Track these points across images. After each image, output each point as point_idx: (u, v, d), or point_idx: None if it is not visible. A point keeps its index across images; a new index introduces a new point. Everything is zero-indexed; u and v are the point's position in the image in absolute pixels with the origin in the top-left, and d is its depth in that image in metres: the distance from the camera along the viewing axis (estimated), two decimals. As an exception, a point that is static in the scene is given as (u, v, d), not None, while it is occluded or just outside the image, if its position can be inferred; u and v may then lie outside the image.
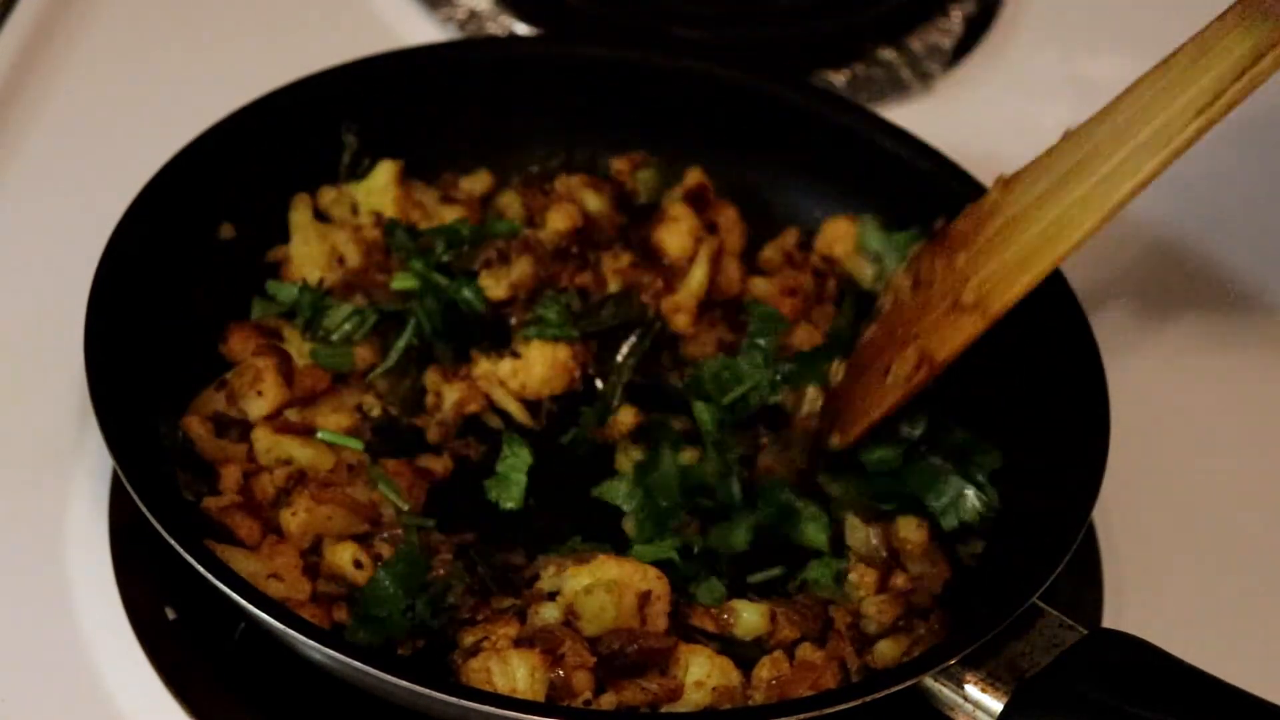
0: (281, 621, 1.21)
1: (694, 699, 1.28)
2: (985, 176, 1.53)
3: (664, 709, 1.28)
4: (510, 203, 1.55)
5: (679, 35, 1.76)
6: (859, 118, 1.59)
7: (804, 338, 1.49)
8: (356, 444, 1.39)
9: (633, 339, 1.48)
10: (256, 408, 1.39)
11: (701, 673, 1.29)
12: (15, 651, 1.32)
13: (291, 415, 1.40)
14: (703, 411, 1.43)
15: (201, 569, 1.23)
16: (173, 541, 1.24)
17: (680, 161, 1.58)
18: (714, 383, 1.44)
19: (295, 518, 1.34)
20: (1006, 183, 1.40)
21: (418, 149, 1.56)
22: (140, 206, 1.42)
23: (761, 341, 1.45)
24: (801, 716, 1.21)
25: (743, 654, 1.32)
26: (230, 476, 1.36)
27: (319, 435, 1.39)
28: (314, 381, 1.42)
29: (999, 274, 1.36)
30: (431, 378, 1.46)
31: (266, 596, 1.25)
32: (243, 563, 1.30)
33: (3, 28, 1.63)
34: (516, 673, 1.26)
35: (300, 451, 1.37)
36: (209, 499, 1.35)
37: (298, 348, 1.44)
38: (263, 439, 1.38)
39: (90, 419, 1.30)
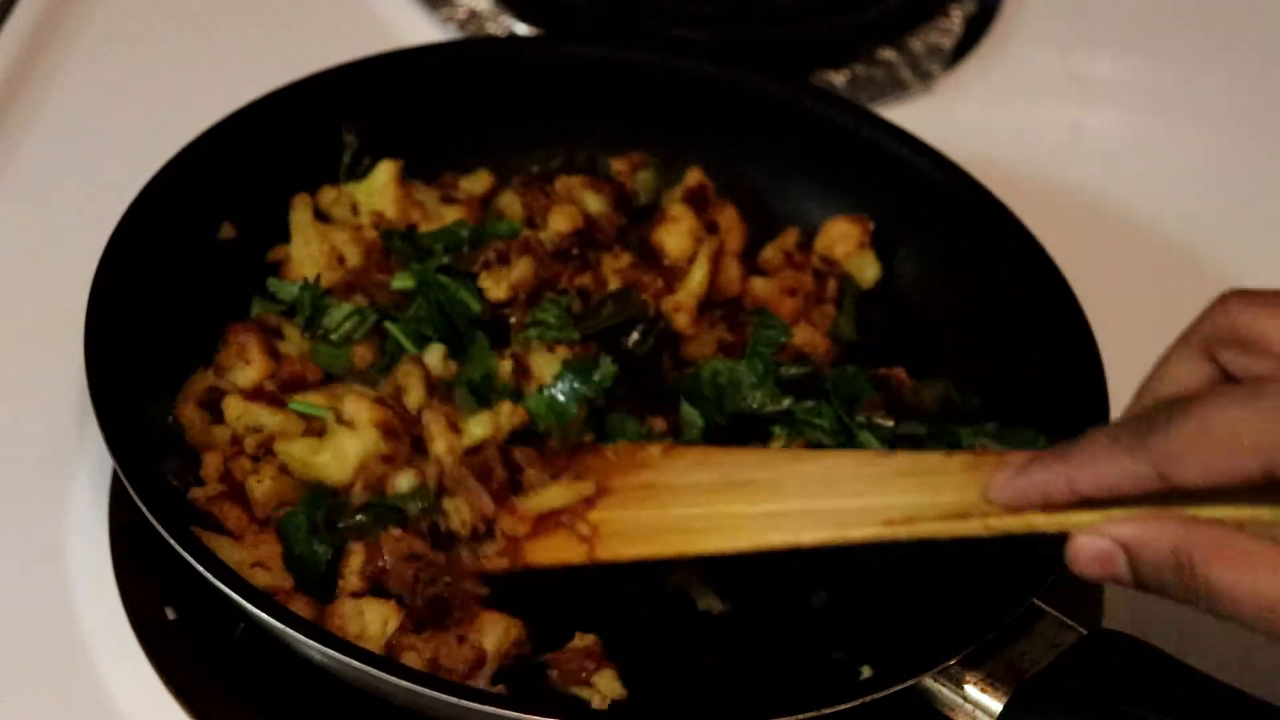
0: (283, 622, 1.21)
1: None
2: (985, 176, 1.53)
3: None
4: (510, 202, 1.55)
5: (679, 35, 1.76)
6: (859, 118, 1.59)
7: (804, 338, 1.49)
8: (326, 413, 1.39)
9: (635, 336, 1.48)
10: (245, 377, 1.39)
11: None
12: (15, 651, 1.32)
13: (267, 385, 1.40)
14: (691, 415, 1.43)
15: (205, 571, 1.23)
16: (174, 543, 1.24)
17: (680, 161, 1.58)
18: (711, 386, 1.44)
19: (261, 485, 1.34)
20: (667, 450, 1.37)
21: (418, 149, 1.56)
22: (140, 206, 1.41)
23: (764, 349, 1.44)
24: (802, 716, 1.22)
25: None
26: (211, 465, 1.36)
27: (290, 404, 1.39)
28: (308, 373, 1.42)
29: (623, 529, 1.32)
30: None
31: (269, 598, 1.25)
32: (228, 551, 1.30)
33: (3, 28, 1.63)
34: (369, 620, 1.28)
35: (270, 419, 1.37)
36: (196, 489, 1.35)
37: (298, 346, 1.43)
38: (234, 405, 1.38)
39: (90, 419, 1.30)
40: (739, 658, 1.35)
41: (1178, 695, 1.20)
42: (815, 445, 1.42)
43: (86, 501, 1.39)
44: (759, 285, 1.53)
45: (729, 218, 1.56)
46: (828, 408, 1.42)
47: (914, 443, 1.41)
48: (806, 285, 1.53)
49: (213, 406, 1.39)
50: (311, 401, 1.39)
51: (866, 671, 1.32)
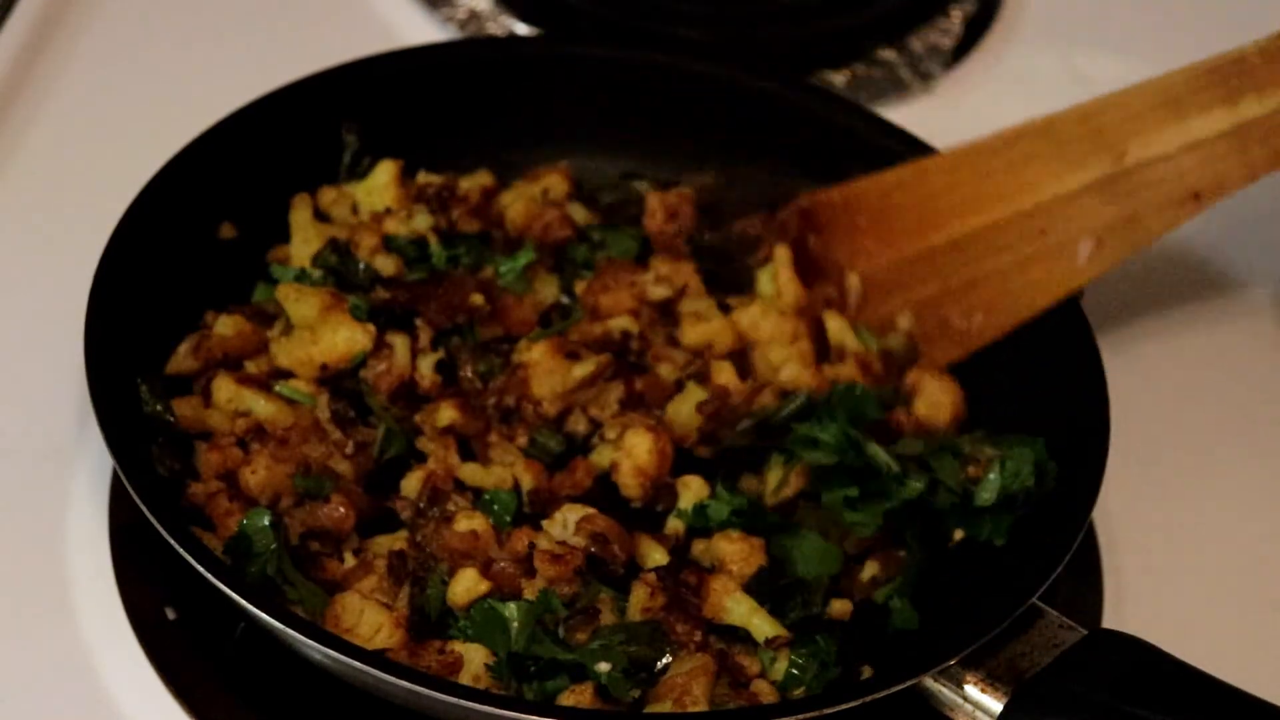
0: (283, 622, 1.21)
1: None
2: (985, 176, 1.53)
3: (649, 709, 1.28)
4: (511, 202, 1.55)
5: (679, 35, 1.76)
6: (859, 118, 1.59)
7: (791, 374, 1.48)
8: (312, 400, 1.39)
9: None
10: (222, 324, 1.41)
11: None
12: (15, 651, 1.32)
13: (252, 367, 1.41)
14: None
15: (204, 571, 1.23)
16: (174, 543, 1.24)
17: (680, 161, 1.58)
18: None
19: (255, 475, 1.34)
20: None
21: (418, 149, 1.56)
22: (140, 206, 1.42)
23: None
24: (802, 716, 1.21)
25: None
26: (210, 464, 1.36)
27: (276, 388, 1.39)
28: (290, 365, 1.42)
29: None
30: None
31: (271, 598, 1.25)
32: (218, 546, 1.31)
33: (3, 28, 1.63)
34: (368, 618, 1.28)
35: (260, 405, 1.37)
36: (195, 485, 1.35)
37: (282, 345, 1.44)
38: (224, 388, 1.38)
39: (90, 419, 1.30)
40: (739, 657, 1.35)
41: (1178, 695, 1.20)
42: (816, 469, 1.40)
43: (86, 501, 1.39)
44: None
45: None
46: (831, 423, 1.40)
47: (920, 462, 1.40)
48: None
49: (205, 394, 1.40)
50: (297, 389, 1.39)
51: (866, 671, 1.32)
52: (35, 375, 1.46)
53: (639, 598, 1.31)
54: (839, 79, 1.77)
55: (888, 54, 1.79)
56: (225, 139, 1.48)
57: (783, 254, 1.51)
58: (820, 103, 1.61)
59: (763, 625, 1.32)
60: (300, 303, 1.40)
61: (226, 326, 1.41)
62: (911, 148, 1.56)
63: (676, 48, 1.67)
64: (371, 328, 1.41)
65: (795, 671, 1.30)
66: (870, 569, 1.37)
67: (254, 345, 1.42)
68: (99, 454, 1.38)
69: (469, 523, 1.33)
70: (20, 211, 1.58)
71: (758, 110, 1.59)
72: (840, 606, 1.35)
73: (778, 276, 1.50)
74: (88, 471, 1.41)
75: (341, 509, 1.34)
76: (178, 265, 1.44)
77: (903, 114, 1.66)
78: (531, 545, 1.33)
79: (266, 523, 1.30)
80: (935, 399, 1.45)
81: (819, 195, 1.50)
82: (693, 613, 1.32)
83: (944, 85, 1.79)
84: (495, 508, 1.36)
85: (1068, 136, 1.34)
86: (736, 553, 1.35)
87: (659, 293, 1.50)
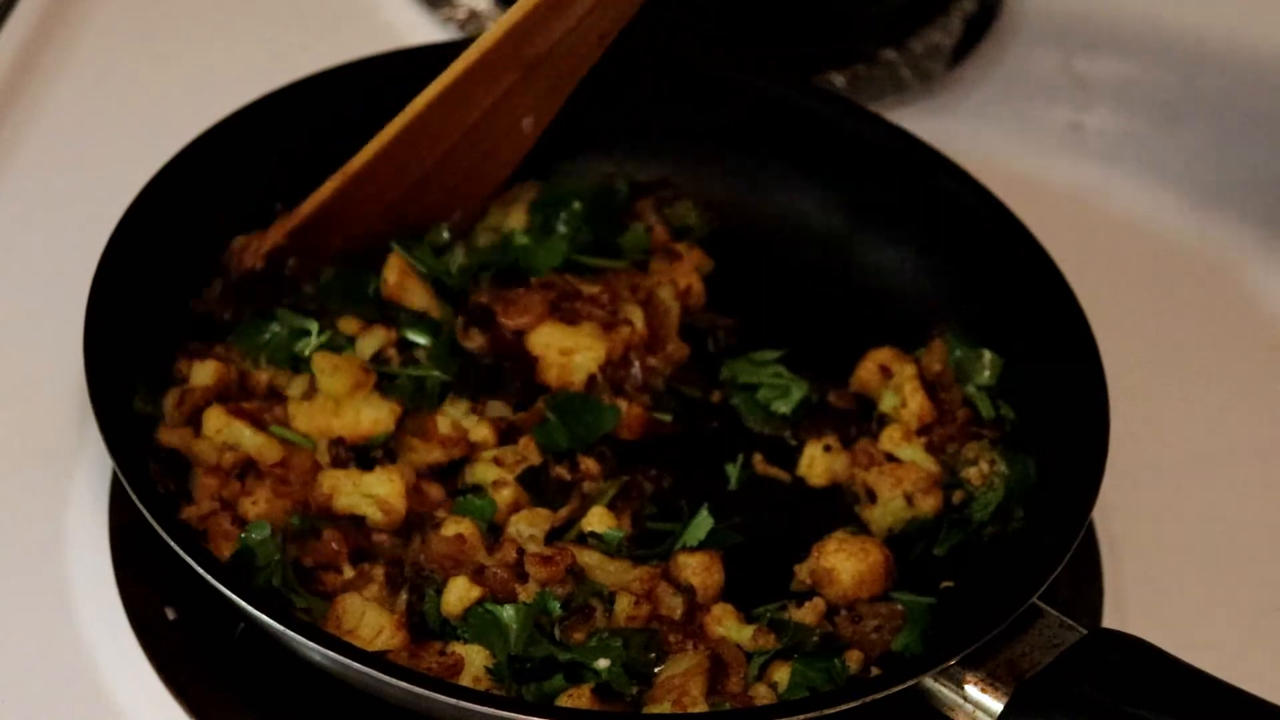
0: (282, 623, 1.21)
1: None
2: (985, 176, 1.53)
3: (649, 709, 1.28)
4: (508, 205, 1.55)
5: (679, 35, 1.76)
6: (860, 118, 1.59)
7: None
8: (309, 443, 1.38)
9: None
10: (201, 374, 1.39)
11: None
12: (15, 651, 1.32)
13: (249, 405, 1.39)
14: None
15: (204, 572, 1.23)
16: (173, 543, 1.24)
17: (679, 161, 1.58)
18: None
19: (255, 507, 1.34)
20: None
21: (418, 149, 1.55)
22: (140, 207, 1.41)
23: None
24: (802, 717, 1.22)
25: None
26: (206, 489, 1.35)
27: (272, 430, 1.38)
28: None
29: None
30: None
31: (269, 598, 1.25)
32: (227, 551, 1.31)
33: (3, 28, 1.63)
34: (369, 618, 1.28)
35: (249, 439, 1.36)
36: (189, 509, 1.34)
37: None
38: (214, 419, 1.37)
39: (90, 419, 1.30)
40: (739, 658, 1.35)
41: (1178, 695, 1.20)
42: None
43: (86, 501, 1.39)
44: None
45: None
46: None
47: None
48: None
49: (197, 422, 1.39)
50: (292, 431, 1.38)
51: (861, 666, 1.32)
52: (35, 376, 1.46)
53: (623, 607, 1.31)
54: (839, 79, 1.77)
55: (888, 54, 1.79)
56: (225, 139, 1.48)
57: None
58: (822, 103, 1.60)
59: (751, 635, 1.32)
60: (332, 375, 1.39)
61: (204, 375, 1.39)
62: (912, 148, 1.56)
63: (677, 48, 1.67)
64: (398, 409, 1.39)
65: (799, 681, 1.29)
66: (871, 622, 1.36)
67: (236, 383, 1.40)
68: (99, 455, 1.38)
69: (456, 527, 1.33)
70: (20, 211, 1.58)
71: (758, 110, 1.59)
72: (854, 656, 1.33)
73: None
74: (88, 472, 1.41)
75: (334, 545, 1.33)
76: (177, 266, 1.44)
77: (903, 114, 1.66)
78: (520, 551, 1.32)
79: (268, 533, 1.29)
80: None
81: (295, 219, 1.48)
82: (681, 621, 1.31)
83: (944, 85, 1.79)
84: (470, 516, 1.36)
85: (485, 73, 1.46)
86: (699, 564, 1.35)
87: None
